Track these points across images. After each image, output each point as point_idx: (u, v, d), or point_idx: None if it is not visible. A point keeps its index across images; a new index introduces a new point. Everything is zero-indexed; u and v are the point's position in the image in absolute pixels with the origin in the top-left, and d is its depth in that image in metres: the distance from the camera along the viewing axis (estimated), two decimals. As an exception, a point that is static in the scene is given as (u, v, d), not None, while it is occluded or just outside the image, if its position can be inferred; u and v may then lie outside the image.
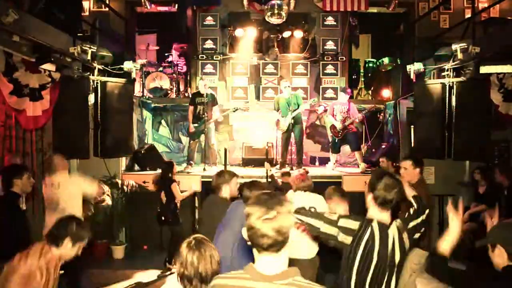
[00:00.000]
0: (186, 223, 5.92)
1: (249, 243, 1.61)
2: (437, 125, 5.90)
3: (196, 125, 7.26)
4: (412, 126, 6.96)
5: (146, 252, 6.65)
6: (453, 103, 5.73)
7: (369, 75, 9.23)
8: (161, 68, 8.70)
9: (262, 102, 8.66)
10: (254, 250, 1.61)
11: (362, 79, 9.24)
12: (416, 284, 2.83)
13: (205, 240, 2.21)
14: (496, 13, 7.24)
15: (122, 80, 6.31)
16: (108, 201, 6.02)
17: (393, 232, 2.37)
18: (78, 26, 5.75)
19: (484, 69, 5.06)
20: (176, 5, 7.86)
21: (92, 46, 5.49)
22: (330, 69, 8.77)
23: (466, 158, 6.00)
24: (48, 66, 4.83)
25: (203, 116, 7.17)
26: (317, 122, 8.72)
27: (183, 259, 2.10)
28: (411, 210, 2.66)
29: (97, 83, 5.86)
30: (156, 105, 8.43)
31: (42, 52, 4.56)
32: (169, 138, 8.66)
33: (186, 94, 8.65)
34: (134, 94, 7.26)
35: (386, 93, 8.82)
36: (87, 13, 7.34)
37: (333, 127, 7.47)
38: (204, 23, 8.77)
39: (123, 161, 6.92)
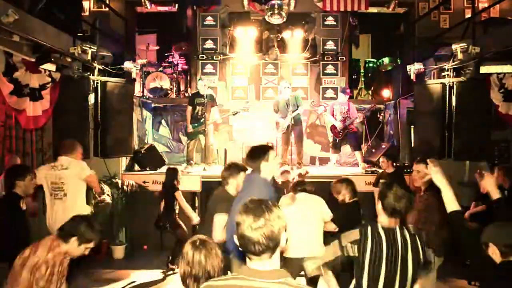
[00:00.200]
0: (186, 223, 5.90)
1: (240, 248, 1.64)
2: (437, 125, 5.90)
3: (194, 125, 7.26)
4: (412, 126, 6.96)
5: (146, 252, 6.66)
6: (453, 103, 5.73)
7: (369, 75, 9.24)
8: (161, 68, 8.69)
9: (262, 102, 8.66)
10: (247, 257, 1.64)
11: (362, 79, 9.24)
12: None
13: (208, 238, 2.24)
14: (496, 13, 7.23)
15: (122, 80, 6.31)
16: (108, 201, 6.01)
17: (402, 235, 2.43)
18: (78, 26, 5.74)
19: (484, 69, 5.06)
20: (176, 5, 7.85)
21: (92, 46, 5.49)
22: (330, 69, 8.77)
23: (466, 158, 6.01)
24: (48, 66, 4.83)
25: (202, 116, 7.18)
26: (317, 122, 8.72)
27: (189, 258, 2.11)
28: None
29: (97, 83, 5.86)
30: (156, 105, 8.43)
31: (42, 52, 4.56)
32: (169, 138, 8.66)
33: (186, 94, 8.65)
34: (134, 94, 7.25)
35: (386, 93, 8.82)
36: (87, 13, 7.33)
37: (333, 127, 7.48)
38: (204, 23, 8.76)
39: (123, 161, 6.92)
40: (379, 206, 2.53)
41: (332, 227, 4.19)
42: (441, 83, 5.93)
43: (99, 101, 5.87)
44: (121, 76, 6.46)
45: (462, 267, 5.31)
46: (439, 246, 3.73)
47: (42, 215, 6.35)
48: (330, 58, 8.73)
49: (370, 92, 9.22)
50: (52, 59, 4.66)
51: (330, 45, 8.76)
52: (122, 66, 6.44)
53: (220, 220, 3.41)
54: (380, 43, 9.83)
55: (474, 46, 5.16)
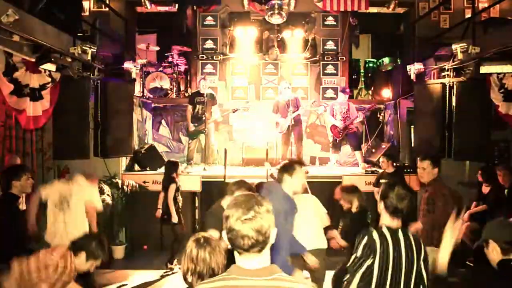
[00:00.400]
0: (187, 223, 5.92)
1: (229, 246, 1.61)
2: (437, 125, 5.89)
3: (195, 124, 7.27)
4: (412, 126, 6.96)
5: (146, 252, 6.66)
6: (453, 103, 5.73)
7: (369, 75, 9.23)
8: (161, 68, 8.69)
9: (262, 102, 8.66)
10: (236, 253, 1.61)
11: (362, 79, 9.24)
12: None
13: (211, 236, 2.28)
14: (496, 13, 7.23)
15: (122, 80, 6.31)
16: (108, 201, 6.02)
17: (405, 234, 2.45)
18: (78, 26, 5.74)
19: (484, 69, 5.05)
20: (176, 5, 7.85)
21: (92, 46, 5.49)
22: (330, 69, 8.77)
23: (466, 158, 6.01)
24: (48, 66, 4.82)
25: (202, 116, 7.18)
26: (317, 122, 8.72)
27: (194, 255, 2.13)
28: None
29: (97, 83, 5.86)
30: (156, 105, 8.43)
31: (42, 52, 4.55)
32: (169, 138, 8.66)
33: (186, 94, 8.66)
34: (134, 94, 7.25)
35: (386, 93, 8.83)
36: (87, 13, 7.32)
37: (333, 127, 7.48)
38: (204, 23, 8.77)
39: (123, 161, 6.92)
40: (381, 206, 2.54)
41: (342, 243, 4.19)
42: (441, 83, 5.93)
43: (99, 101, 5.87)
44: (121, 76, 6.45)
45: (462, 267, 5.31)
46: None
47: (42, 214, 6.38)
48: (330, 58, 8.73)
49: (370, 92, 9.22)
50: (52, 59, 4.65)
51: (330, 45, 8.76)
52: (122, 66, 6.43)
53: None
54: (380, 43, 9.83)
55: (474, 46, 5.15)
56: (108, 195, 5.99)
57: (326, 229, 4.27)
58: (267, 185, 3.51)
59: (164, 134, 8.66)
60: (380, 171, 6.50)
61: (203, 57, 8.68)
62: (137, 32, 8.93)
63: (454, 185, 6.68)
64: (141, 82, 8.31)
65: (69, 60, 5.22)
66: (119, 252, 6.44)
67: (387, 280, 2.38)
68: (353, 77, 9.19)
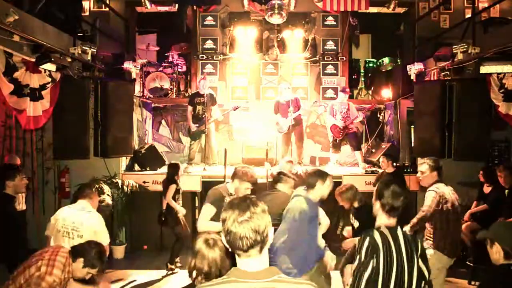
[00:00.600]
0: (187, 224, 5.91)
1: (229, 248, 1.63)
2: (437, 125, 5.89)
3: (196, 125, 7.27)
4: (412, 126, 6.96)
5: (146, 252, 6.66)
6: (453, 103, 5.73)
7: (369, 75, 9.24)
8: (161, 68, 8.69)
9: (262, 102, 8.66)
10: (236, 256, 1.62)
11: (362, 79, 9.23)
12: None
13: (220, 237, 2.27)
14: (496, 13, 7.22)
15: (122, 80, 6.31)
16: (108, 201, 6.01)
17: (403, 233, 2.45)
18: (78, 26, 5.74)
19: (484, 69, 5.05)
20: (176, 5, 7.85)
21: (92, 46, 5.49)
22: (330, 69, 8.77)
23: (466, 158, 6.00)
24: (48, 66, 4.82)
25: (203, 116, 7.18)
26: (317, 122, 8.72)
27: (203, 255, 2.17)
28: None
29: (97, 83, 5.86)
30: (156, 105, 8.43)
31: (42, 52, 4.56)
32: (169, 138, 8.66)
33: (186, 94, 8.65)
34: (134, 94, 7.25)
35: (386, 93, 8.82)
36: (87, 13, 7.32)
37: (333, 127, 7.48)
38: (204, 23, 8.77)
39: (123, 161, 6.92)
40: (377, 205, 2.53)
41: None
42: (441, 83, 5.93)
43: (99, 101, 5.87)
44: (121, 76, 6.45)
45: (462, 267, 5.32)
46: (449, 246, 3.72)
47: (42, 215, 6.39)
48: (330, 58, 8.73)
49: (370, 92, 9.22)
50: (52, 59, 4.65)
51: (330, 45, 8.76)
52: (122, 66, 6.43)
53: (207, 210, 3.50)
54: (380, 43, 9.82)
55: (474, 46, 5.16)
56: (108, 195, 5.99)
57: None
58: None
59: (164, 134, 8.66)
60: (380, 171, 6.50)
61: (203, 57, 8.67)
62: (137, 32, 8.93)
63: (454, 185, 6.67)
64: (141, 82, 8.31)
65: (69, 60, 5.22)
66: (119, 252, 6.44)
67: (391, 279, 2.37)
68: (353, 77, 9.19)
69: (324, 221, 4.12)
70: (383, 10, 8.04)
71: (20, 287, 2.76)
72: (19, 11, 4.14)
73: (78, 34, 5.55)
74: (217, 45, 8.72)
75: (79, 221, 3.74)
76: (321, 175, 3.47)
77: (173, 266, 5.76)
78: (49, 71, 5.03)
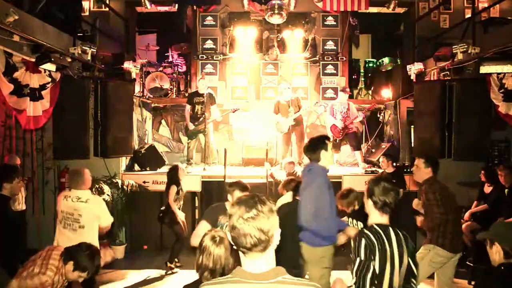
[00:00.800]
0: (187, 223, 5.92)
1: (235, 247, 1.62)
2: (437, 125, 5.90)
3: (195, 124, 7.27)
4: (412, 126, 6.96)
5: (146, 252, 6.66)
6: (453, 103, 5.73)
7: (369, 75, 9.24)
8: (161, 68, 8.70)
9: (262, 102, 8.66)
10: (240, 253, 1.61)
11: (362, 79, 9.24)
12: None
13: (225, 235, 2.37)
14: (496, 13, 7.23)
15: (122, 80, 6.31)
16: (108, 201, 6.01)
17: (395, 231, 2.46)
18: (78, 26, 5.74)
19: (484, 69, 5.05)
20: (176, 5, 7.85)
21: (92, 46, 5.49)
22: (330, 69, 8.77)
23: (466, 158, 6.00)
24: (48, 66, 4.82)
25: (202, 115, 7.19)
26: (317, 122, 8.72)
27: (209, 252, 2.26)
28: None
29: (97, 83, 5.86)
30: (156, 105, 8.43)
31: (42, 52, 4.56)
32: (169, 138, 8.67)
33: (186, 94, 8.65)
34: (134, 94, 7.26)
35: (386, 93, 8.82)
36: (87, 13, 7.33)
37: (333, 127, 7.48)
38: (204, 23, 8.77)
39: (123, 161, 6.92)
40: (369, 203, 2.54)
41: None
42: (441, 83, 5.93)
43: (99, 101, 5.87)
44: (121, 76, 6.45)
45: (462, 267, 5.31)
46: (452, 241, 3.73)
47: (42, 215, 6.39)
48: (330, 58, 8.73)
49: (370, 92, 9.22)
50: (52, 59, 4.66)
51: (330, 45, 8.76)
52: (122, 66, 6.43)
53: (201, 227, 3.50)
54: (380, 43, 9.82)
55: (474, 46, 5.16)
56: (108, 195, 5.99)
57: None
58: (306, 166, 3.67)
59: (164, 134, 8.66)
60: (380, 171, 6.50)
61: (203, 57, 8.68)
62: (137, 32, 8.93)
63: (454, 185, 6.68)
64: (141, 82, 8.31)
65: (69, 60, 5.22)
66: (119, 252, 6.44)
67: (384, 277, 2.39)
68: (353, 77, 9.19)
69: None
70: (383, 10, 8.05)
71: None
72: (19, 11, 4.15)
73: (78, 34, 5.55)
74: (217, 45, 8.73)
75: (78, 213, 3.84)
76: (323, 144, 3.50)
77: (172, 265, 5.76)
78: (49, 71, 5.03)
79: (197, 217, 6.85)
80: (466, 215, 5.84)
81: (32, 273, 2.78)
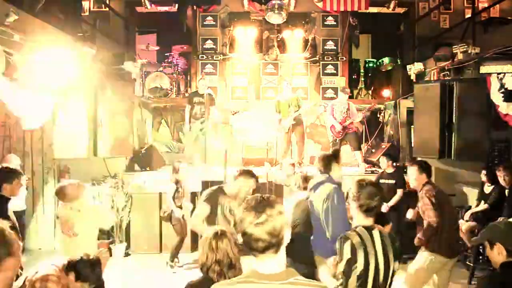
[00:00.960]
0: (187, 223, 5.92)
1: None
2: (437, 125, 5.89)
3: (194, 124, 7.27)
4: (412, 126, 6.96)
5: (146, 252, 6.65)
6: (453, 103, 5.73)
7: (369, 75, 9.23)
8: (161, 68, 8.69)
9: (262, 102, 8.66)
10: (252, 256, 1.63)
11: (362, 79, 9.24)
12: None
13: (227, 230, 2.49)
14: (496, 13, 7.23)
15: (122, 80, 6.31)
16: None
17: (379, 234, 2.49)
18: (78, 26, 5.74)
19: (484, 69, 5.06)
20: (176, 5, 7.85)
21: (92, 46, 5.49)
22: (330, 69, 8.77)
23: (466, 158, 6.00)
24: (48, 66, 4.81)
25: (201, 116, 7.19)
26: (317, 122, 8.72)
27: (213, 246, 2.37)
28: None
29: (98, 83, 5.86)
30: (156, 105, 8.42)
31: (42, 52, 4.55)
32: (169, 138, 8.66)
33: (186, 94, 8.66)
34: (134, 94, 7.26)
35: (386, 93, 8.82)
36: (87, 13, 7.33)
37: (333, 127, 7.48)
38: (204, 23, 8.77)
39: (123, 161, 6.91)
40: (354, 206, 2.58)
41: None
42: (441, 83, 5.93)
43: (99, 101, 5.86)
44: (121, 76, 6.45)
45: (462, 267, 5.32)
46: (448, 246, 3.73)
47: (42, 215, 6.38)
48: (330, 58, 8.73)
49: (370, 92, 9.22)
50: (52, 59, 4.65)
51: (330, 45, 8.76)
52: (122, 66, 6.43)
53: (201, 209, 3.56)
54: (380, 43, 9.82)
55: (474, 46, 5.16)
56: (108, 195, 5.98)
57: None
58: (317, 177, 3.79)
59: (164, 134, 8.66)
60: (380, 171, 6.50)
61: (203, 57, 8.68)
62: (137, 32, 8.93)
63: (454, 185, 6.69)
64: (141, 82, 8.31)
65: (69, 60, 5.21)
66: (119, 252, 6.43)
67: (368, 277, 2.42)
68: (353, 77, 9.19)
69: None
70: (383, 10, 8.06)
71: None
72: (19, 11, 4.14)
73: (78, 34, 5.55)
74: (217, 45, 8.72)
75: (71, 221, 3.81)
76: (336, 157, 3.82)
77: (173, 264, 5.79)
78: (49, 71, 5.02)
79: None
80: (467, 215, 5.83)
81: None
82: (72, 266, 2.95)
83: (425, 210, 3.75)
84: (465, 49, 5.22)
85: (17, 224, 3.73)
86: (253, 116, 8.42)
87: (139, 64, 7.62)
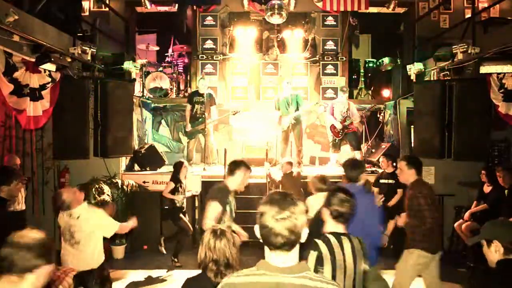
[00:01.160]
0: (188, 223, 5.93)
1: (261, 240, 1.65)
2: (437, 125, 5.89)
3: (194, 124, 7.28)
4: (412, 126, 6.96)
5: (146, 252, 6.65)
6: (453, 103, 5.73)
7: (369, 75, 9.24)
8: (161, 68, 8.70)
9: (262, 102, 8.66)
10: (266, 248, 1.64)
11: (362, 79, 9.23)
12: None
13: (227, 228, 2.51)
14: (496, 13, 7.23)
15: (122, 80, 6.31)
16: (108, 200, 6.01)
17: (349, 239, 2.49)
18: (78, 26, 5.75)
19: (484, 69, 5.06)
20: (176, 5, 7.85)
21: (92, 46, 5.49)
22: (330, 69, 8.77)
23: (466, 158, 6.01)
24: (48, 66, 4.82)
25: (201, 116, 7.19)
26: (317, 122, 8.72)
27: (212, 245, 2.37)
28: None
29: (97, 83, 5.86)
30: (156, 105, 8.43)
31: (42, 52, 4.56)
32: (169, 138, 8.67)
33: (186, 94, 8.66)
34: (134, 94, 7.26)
35: (386, 93, 8.83)
36: (87, 13, 7.33)
37: (333, 127, 7.48)
38: (204, 23, 8.77)
39: (123, 161, 6.92)
40: (325, 212, 2.58)
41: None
42: (441, 83, 5.93)
43: (99, 101, 5.87)
44: (121, 76, 6.45)
45: (462, 267, 5.32)
46: (433, 241, 3.73)
47: (42, 215, 6.39)
48: (330, 58, 8.73)
49: (370, 92, 9.22)
50: (52, 59, 4.66)
51: (330, 45, 8.76)
52: (122, 66, 6.43)
53: (213, 208, 3.46)
54: (380, 43, 9.82)
55: (474, 46, 5.16)
56: (108, 195, 5.99)
57: None
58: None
59: (164, 134, 8.66)
60: (380, 171, 6.50)
61: (203, 57, 8.67)
62: (137, 32, 8.94)
63: (454, 185, 6.69)
64: (141, 82, 8.32)
65: (69, 60, 5.23)
66: (119, 252, 6.43)
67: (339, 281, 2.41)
68: (353, 77, 9.18)
69: None
70: (383, 10, 8.05)
71: None
72: (19, 11, 4.15)
73: (78, 34, 5.56)
74: (217, 45, 8.73)
75: (72, 229, 3.78)
76: (363, 166, 3.92)
77: (176, 260, 5.81)
78: (49, 71, 5.03)
79: (197, 217, 6.85)
80: (466, 215, 5.84)
81: None
82: (80, 281, 3.01)
83: (420, 210, 3.73)
84: (465, 49, 5.21)
85: None
86: (253, 116, 8.43)
87: (139, 64, 7.62)
